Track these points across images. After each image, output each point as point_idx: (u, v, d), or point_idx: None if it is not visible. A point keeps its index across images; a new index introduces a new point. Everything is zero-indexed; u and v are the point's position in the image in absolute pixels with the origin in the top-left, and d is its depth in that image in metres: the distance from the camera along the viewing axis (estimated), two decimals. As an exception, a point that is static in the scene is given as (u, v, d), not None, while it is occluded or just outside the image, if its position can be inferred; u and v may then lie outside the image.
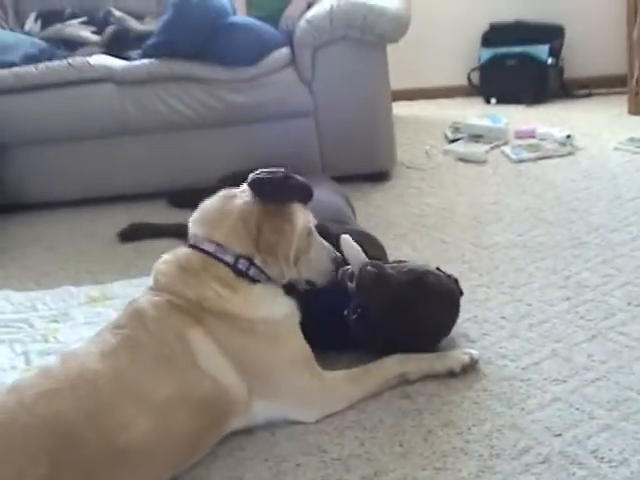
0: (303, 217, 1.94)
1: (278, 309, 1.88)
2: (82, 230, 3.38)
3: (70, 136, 3.53)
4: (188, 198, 3.35)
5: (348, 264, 2.02)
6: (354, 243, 2.06)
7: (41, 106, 3.49)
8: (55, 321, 2.57)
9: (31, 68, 3.50)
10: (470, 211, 3.07)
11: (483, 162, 3.62)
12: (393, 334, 1.99)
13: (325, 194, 2.60)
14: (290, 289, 1.96)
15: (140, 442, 1.62)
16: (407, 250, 2.76)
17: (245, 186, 1.93)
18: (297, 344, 1.90)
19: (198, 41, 3.33)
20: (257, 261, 1.86)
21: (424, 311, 1.98)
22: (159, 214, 3.36)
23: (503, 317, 2.25)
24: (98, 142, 3.54)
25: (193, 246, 1.87)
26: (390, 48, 3.41)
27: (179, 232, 3.04)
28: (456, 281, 2.13)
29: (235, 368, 1.77)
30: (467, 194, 3.26)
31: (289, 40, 3.40)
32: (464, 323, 2.20)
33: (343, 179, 3.25)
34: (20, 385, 1.67)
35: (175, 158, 3.51)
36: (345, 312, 2.00)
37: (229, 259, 1.84)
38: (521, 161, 3.57)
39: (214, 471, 1.76)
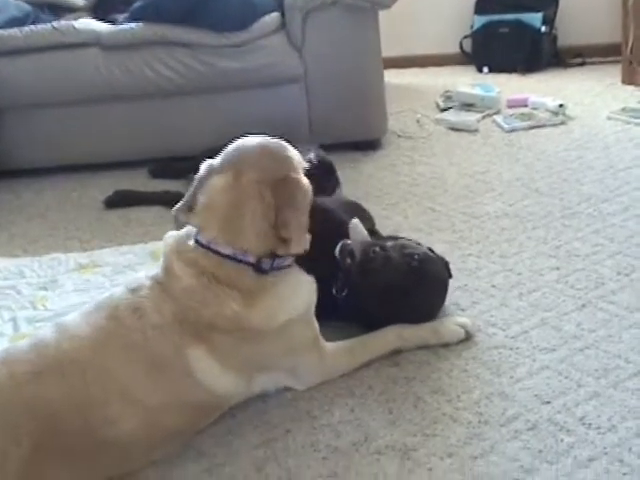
0: (301, 166, 1.79)
1: (301, 305, 1.78)
2: (70, 197, 3.35)
3: (55, 101, 3.47)
4: (167, 169, 3.37)
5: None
6: (361, 226, 2.07)
7: (26, 70, 3.43)
8: (44, 288, 2.55)
9: (16, 31, 3.43)
10: (461, 180, 3.06)
11: (475, 131, 3.61)
12: (386, 314, 1.99)
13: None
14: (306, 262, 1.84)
15: (126, 437, 1.59)
16: (398, 219, 2.75)
17: (231, 158, 1.75)
18: (309, 327, 1.84)
19: (186, 5, 3.28)
20: (280, 251, 1.70)
21: (419, 296, 1.99)
22: (146, 181, 3.35)
23: (493, 286, 2.24)
24: (84, 108, 3.48)
25: (207, 247, 1.68)
26: (382, 15, 3.37)
27: (165, 200, 3.05)
28: (447, 264, 2.12)
29: (238, 373, 1.72)
30: (458, 163, 3.25)
31: (279, 5, 3.35)
32: (455, 292, 2.20)
33: (333, 147, 3.23)
34: (12, 358, 1.61)
35: (163, 125, 3.47)
36: (333, 290, 1.99)
37: (252, 260, 1.67)
38: (513, 130, 3.55)
39: (203, 437, 1.76)
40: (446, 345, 1.97)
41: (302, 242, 1.72)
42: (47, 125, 3.53)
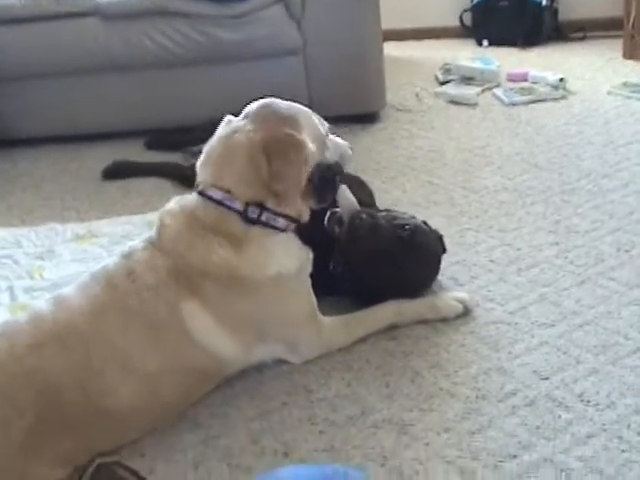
0: (313, 133, 1.80)
1: (291, 263, 1.77)
2: (67, 167, 3.33)
3: (54, 71, 3.43)
4: (163, 141, 3.34)
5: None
6: (349, 193, 2.05)
7: (24, 40, 3.39)
8: (40, 258, 2.55)
9: (14, 0, 3.38)
10: (460, 154, 3.04)
11: (474, 105, 3.58)
12: (375, 284, 1.98)
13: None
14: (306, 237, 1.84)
15: (125, 406, 1.60)
16: (396, 193, 2.73)
17: (245, 115, 1.79)
18: (304, 298, 1.85)
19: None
20: (270, 204, 1.71)
21: (408, 266, 1.97)
22: (143, 152, 3.32)
23: (492, 261, 2.24)
24: (82, 77, 3.45)
25: (200, 193, 1.72)
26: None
27: (164, 171, 3.03)
28: (441, 238, 2.11)
29: (234, 332, 1.71)
30: (457, 137, 3.23)
31: (280, -25, 3.31)
32: (453, 266, 2.20)
33: (331, 119, 3.17)
34: (11, 330, 1.61)
35: (162, 96, 3.44)
36: (330, 265, 1.98)
37: (238, 206, 1.69)
38: (513, 104, 3.53)
39: (200, 408, 1.75)
40: (444, 320, 1.97)
41: (294, 201, 1.74)
42: (44, 95, 3.49)
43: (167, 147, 3.27)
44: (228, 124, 1.78)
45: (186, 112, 3.33)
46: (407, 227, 1.98)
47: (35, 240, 2.66)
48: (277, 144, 1.69)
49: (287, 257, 1.76)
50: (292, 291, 1.80)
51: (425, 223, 2.10)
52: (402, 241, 1.96)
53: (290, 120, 1.75)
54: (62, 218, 2.81)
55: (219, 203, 1.69)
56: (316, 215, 1.86)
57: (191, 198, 1.75)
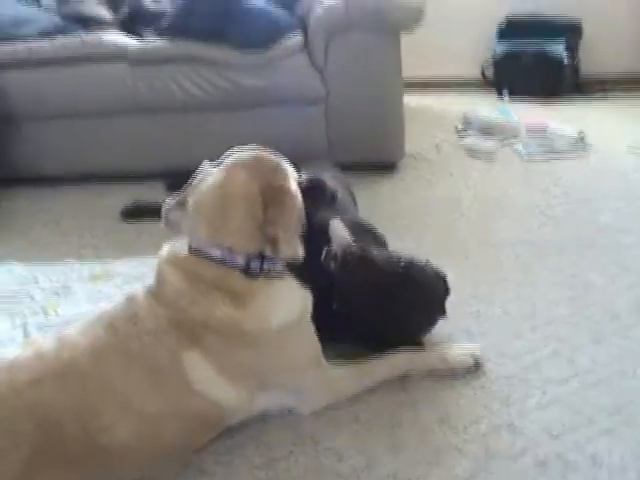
0: (293, 176, 1.83)
1: (294, 309, 1.77)
2: (87, 206, 3.35)
3: (81, 112, 3.49)
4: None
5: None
6: (342, 227, 2.04)
7: (53, 81, 3.45)
8: (56, 294, 2.57)
9: (45, 43, 3.47)
10: (477, 206, 3.04)
11: (493, 157, 3.58)
12: (372, 319, 1.96)
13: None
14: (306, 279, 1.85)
15: (123, 444, 1.60)
16: (410, 243, 2.71)
17: (229, 164, 1.78)
18: (309, 343, 1.83)
19: (212, 23, 3.29)
20: (268, 251, 1.71)
21: (404, 301, 1.95)
22: (164, 194, 3.33)
23: (506, 315, 2.22)
24: (107, 119, 3.50)
25: (197, 251, 1.70)
26: (404, 37, 3.35)
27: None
28: (444, 278, 2.06)
29: (236, 382, 1.70)
30: (475, 188, 3.23)
31: (303, 25, 3.36)
32: (466, 318, 2.18)
33: (350, 168, 3.22)
34: (14, 366, 1.61)
35: (184, 139, 3.47)
36: (334, 305, 1.96)
37: (240, 261, 1.69)
38: (531, 157, 3.53)
39: (204, 455, 1.74)
40: (454, 373, 1.95)
41: (292, 244, 1.73)
42: (68, 134, 3.54)
43: None
44: (210, 173, 1.78)
45: (208, 155, 3.34)
46: (402, 261, 1.97)
47: (51, 276, 2.69)
48: (274, 193, 1.71)
49: (290, 304, 1.77)
50: (295, 337, 1.79)
51: (427, 262, 2.07)
52: (396, 274, 1.94)
53: (279, 168, 1.78)
54: (79, 255, 2.83)
55: (219, 261, 1.69)
56: (315, 257, 1.86)
57: (189, 259, 1.71)
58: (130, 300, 1.73)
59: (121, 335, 1.66)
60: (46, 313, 2.43)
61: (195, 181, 1.81)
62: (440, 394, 1.88)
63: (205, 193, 1.74)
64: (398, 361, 1.95)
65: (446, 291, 2.05)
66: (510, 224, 2.83)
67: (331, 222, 2.04)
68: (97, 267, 2.71)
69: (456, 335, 2.11)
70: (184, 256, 1.72)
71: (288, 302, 1.77)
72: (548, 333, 2.10)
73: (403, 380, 1.93)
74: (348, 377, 1.90)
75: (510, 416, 1.78)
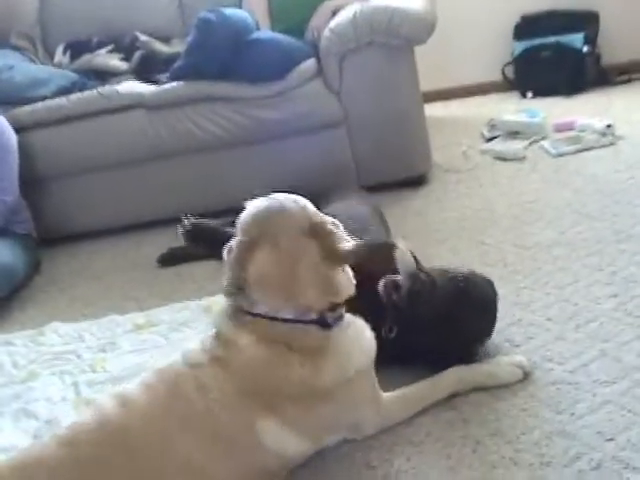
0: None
1: (370, 348, 1.77)
2: (125, 257, 3.42)
3: (105, 164, 3.58)
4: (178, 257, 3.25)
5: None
6: (408, 255, 1.98)
7: (75, 137, 3.54)
8: (102, 351, 2.60)
9: (63, 100, 3.56)
10: (510, 211, 3.01)
11: (522, 159, 3.56)
12: (435, 346, 1.96)
13: (349, 207, 2.61)
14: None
15: None
16: (448, 256, 2.71)
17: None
18: (370, 382, 1.82)
19: (223, 60, 3.33)
20: (335, 299, 1.70)
21: (469, 317, 1.96)
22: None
23: (549, 319, 2.19)
24: (133, 168, 3.57)
25: (268, 317, 1.66)
26: (419, 49, 3.38)
27: (215, 255, 3.06)
28: (491, 283, 2.07)
29: (313, 438, 1.71)
30: (506, 193, 3.21)
31: (315, 51, 3.39)
32: (509, 327, 2.16)
33: (379, 187, 3.23)
34: (77, 438, 1.59)
35: (209, 178, 3.53)
36: (383, 332, 1.94)
37: (314, 316, 1.67)
38: (561, 155, 3.49)
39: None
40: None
41: (350, 282, 1.73)
42: (98, 188, 3.64)
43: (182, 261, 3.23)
44: (241, 246, 1.68)
45: (235, 192, 3.34)
46: (461, 277, 1.97)
47: (97, 333, 2.72)
48: (318, 230, 1.68)
49: (361, 351, 1.75)
50: (363, 381, 1.78)
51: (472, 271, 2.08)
52: (462, 293, 1.94)
53: (305, 210, 1.72)
54: (122, 308, 2.87)
55: (293, 321, 1.65)
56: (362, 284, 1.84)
57: (252, 319, 1.67)
58: (193, 367, 1.67)
59: (188, 404, 1.62)
60: (94, 370, 2.46)
61: (237, 260, 1.69)
62: (490, 408, 1.86)
63: (263, 265, 1.65)
64: (449, 380, 1.93)
65: (496, 296, 2.06)
66: (545, 226, 2.80)
67: (397, 250, 1.98)
68: (140, 317, 2.74)
69: (500, 345, 2.09)
70: (253, 319, 1.67)
71: (360, 349, 1.75)
72: (592, 333, 2.07)
73: (451, 398, 1.92)
74: (399, 403, 1.89)
75: (562, 422, 1.76)
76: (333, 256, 1.66)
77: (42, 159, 3.56)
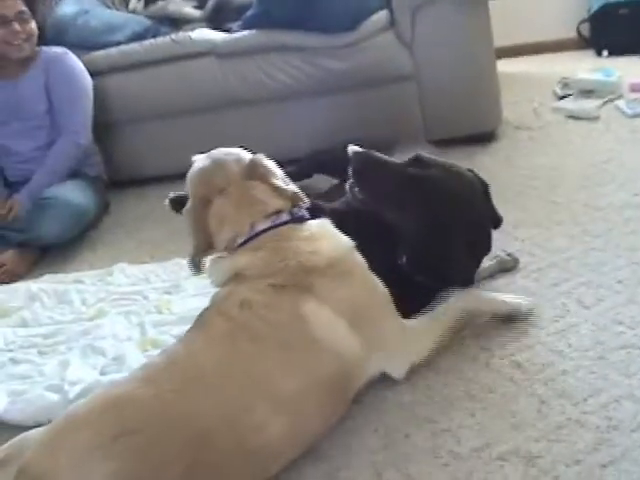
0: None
1: (342, 237, 1.88)
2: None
3: (176, 110, 3.61)
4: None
5: None
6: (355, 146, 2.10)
7: (147, 82, 3.58)
8: (167, 293, 2.65)
9: (137, 46, 3.59)
10: (582, 171, 2.94)
11: (595, 118, 3.46)
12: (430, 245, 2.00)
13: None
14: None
15: (272, 444, 1.60)
16: (517, 213, 2.66)
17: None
18: (380, 287, 1.86)
19: (295, 9, 3.29)
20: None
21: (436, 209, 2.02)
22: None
23: (619, 281, 2.14)
24: (203, 115, 3.60)
25: (253, 237, 1.83)
26: (494, 4, 3.28)
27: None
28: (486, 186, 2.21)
29: (349, 325, 1.74)
30: (578, 153, 3.13)
31: (388, 2, 3.32)
32: (578, 288, 2.13)
33: (448, 142, 3.18)
34: (153, 376, 1.63)
35: (277, 128, 3.52)
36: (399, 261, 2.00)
37: (286, 217, 1.84)
38: (636, 116, 3.38)
39: (321, 439, 1.75)
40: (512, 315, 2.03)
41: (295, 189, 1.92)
42: (167, 134, 3.68)
43: None
44: (195, 205, 1.90)
45: (302, 143, 3.38)
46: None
47: (162, 275, 2.78)
48: (256, 166, 1.89)
49: (338, 235, 1.89)
50: (365, 273, 1.86)
51: (470, 170, 2.19)
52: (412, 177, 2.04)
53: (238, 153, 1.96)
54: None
55: (272, 228, 1.82)
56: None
57: (245, 248, 1.82)
58: (226, 291, 1.80)
59: (241, 323, 1.69)
60: (160, 311, 2.51)
61: (196, 218, 1.89)
62: (556, 368, 1.84)
63: (224, 207, 1.85)
64: (465, 298, 2.00)
65: (483, 185, 2.22)
66: (618, 187, 2.73)
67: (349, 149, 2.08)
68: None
69: (568, 305, 2.06)
70: (243, 247, 1.82)
71: (336, 234, 1.89)
72: (666, 297, 2.03)
73: (515, 356, 1.90)
74: (419, 328, 1.91)
75: (631, 387, 1.73)
76: (277, 191, 1.86)
77: (115, 103, 3.61)
